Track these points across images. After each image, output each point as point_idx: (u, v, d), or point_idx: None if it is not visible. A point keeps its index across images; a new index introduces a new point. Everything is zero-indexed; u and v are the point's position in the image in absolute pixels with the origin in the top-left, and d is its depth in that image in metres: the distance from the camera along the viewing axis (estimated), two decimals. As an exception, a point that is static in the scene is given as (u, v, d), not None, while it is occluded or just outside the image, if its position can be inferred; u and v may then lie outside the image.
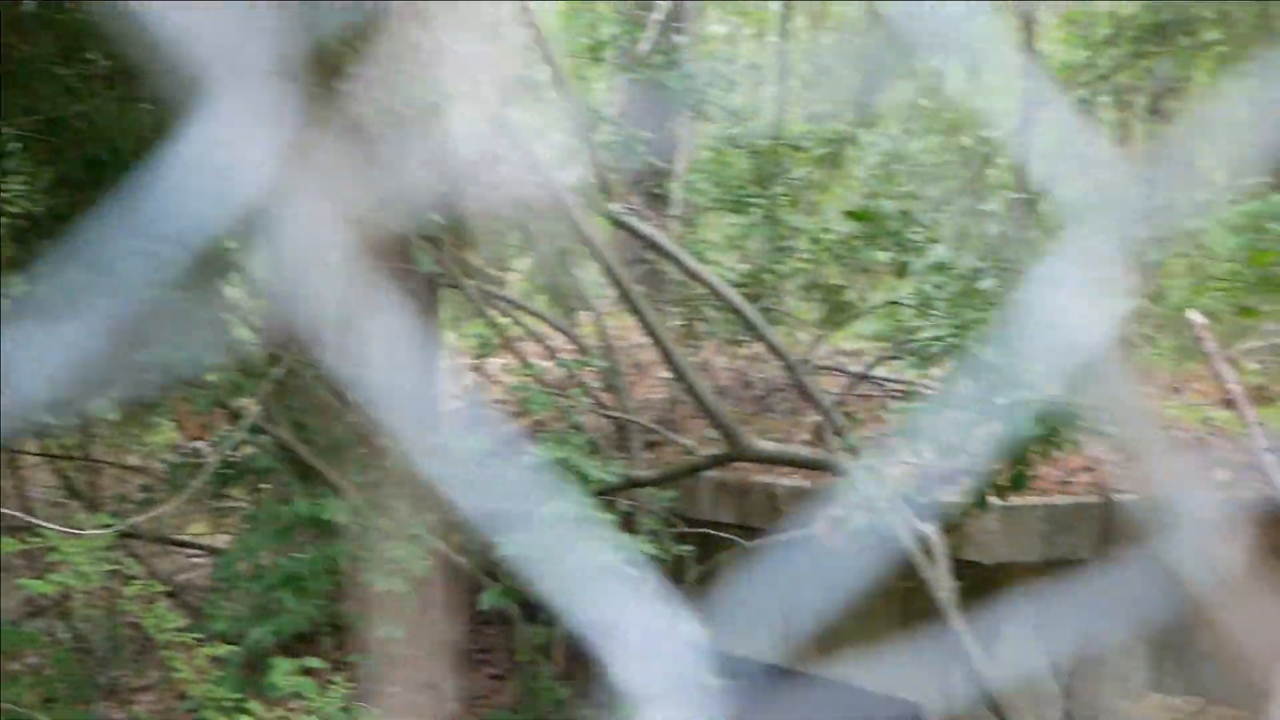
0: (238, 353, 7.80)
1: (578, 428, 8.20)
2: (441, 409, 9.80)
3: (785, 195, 9.58)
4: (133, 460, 9.73)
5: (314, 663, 6.70)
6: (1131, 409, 8.03)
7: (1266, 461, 7.70)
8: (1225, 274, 9.20)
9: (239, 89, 6.25)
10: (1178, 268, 9.88)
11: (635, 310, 7.78)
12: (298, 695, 6.39)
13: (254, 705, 6.02)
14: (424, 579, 7.03)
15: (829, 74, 15.86)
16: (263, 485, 8.22)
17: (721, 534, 8.08)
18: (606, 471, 7.29)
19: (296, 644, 6.94)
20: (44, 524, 6.16)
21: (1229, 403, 8.60)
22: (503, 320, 9.09)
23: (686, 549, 7.67)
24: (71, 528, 6.14)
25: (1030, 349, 7.00)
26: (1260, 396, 8.91)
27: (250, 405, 7.38)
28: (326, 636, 7.20)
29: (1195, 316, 8.76)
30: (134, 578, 6.67)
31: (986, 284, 6.80)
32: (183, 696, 6.54)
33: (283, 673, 6.38)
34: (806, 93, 16.58)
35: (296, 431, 7.64)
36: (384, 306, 8.72)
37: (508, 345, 9.11)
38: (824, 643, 8.39)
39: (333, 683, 6.36)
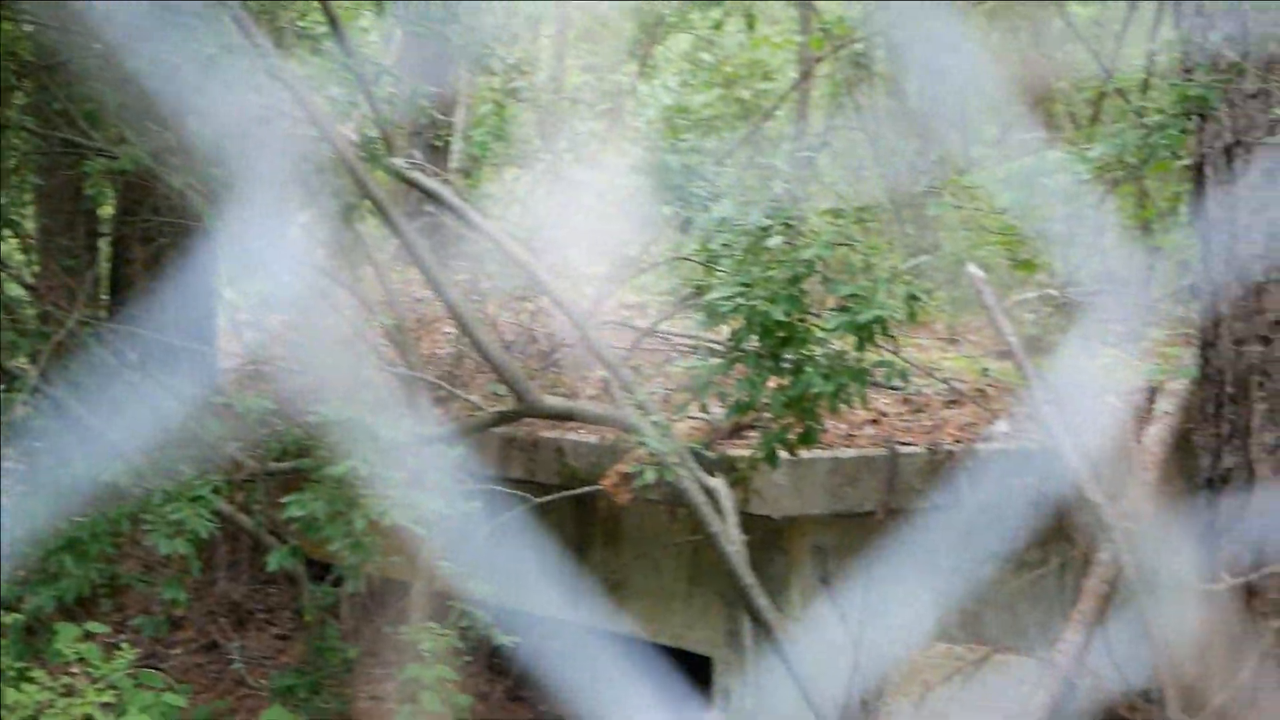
0: (11, 312, 7.60)
1: (364, 385, 8.12)
2: (222, 367, 9.66)
3: (568, 150, 9.56)
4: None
5: (97, 627, 6.58)
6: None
7: (1045, 413, 7.88)
8: (1000, 228, 9.38)
9: None
10: (953, 220, 10.06)
11: (419, 265, 7.72)
12: (82, 661, 6.26)
13: (38, 673, 5.89)
14: (207, 540, 6.91)
15: (606, 25, 15.86)
16: (39, 447, 8.04)
17: (510, 490, 8.07)
18: (394, 429, 7.23)
19: (79, 609, 6.80)
20: None
21: (1006, 354, 8.78)
22: (286, 276, 8.95)
23: (475, 506, 7.64)
24: None
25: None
26: (1036, 347, 9.10)
27: (28, 367, 7.20)
28: (109, 600, 7.07)
29: (973, 269, 8.92)
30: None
31: (773, 241, 6.84)
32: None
33: (66, 639, 6.25)
34: (585, 45, 16.57)
35: (73, 391, 7.47)
36: (162, 263, 8.57)
37: (290, 301, 8.98)
38: (613, 597, 8.43)
39: (117, 648, 6.24)
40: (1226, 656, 5.79)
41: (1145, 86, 11.42)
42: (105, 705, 5.70)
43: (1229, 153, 5.56)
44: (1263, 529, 5.48)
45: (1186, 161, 6.73)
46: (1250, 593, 5.60)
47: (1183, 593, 6.02)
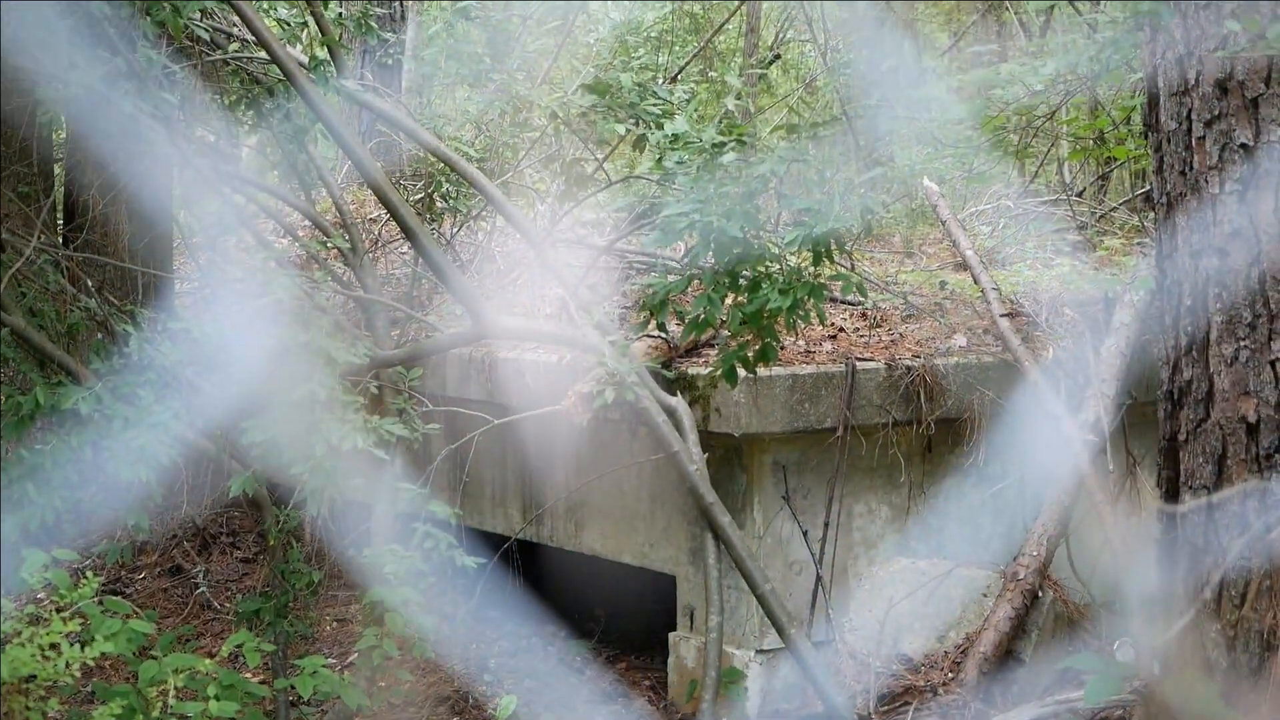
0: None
1: (321, 309, 8.11)
2: (178, 291, 9.62)
3: (521, 70, 9.52)
4: None
5: (64, 554, 6.57)
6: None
7: (1002, 325, 7.92)
8: (955, 140, 9.38)
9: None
10: (908, 134, 10.05)
11: (372, 186, 7.69)
12: (49, 588, 6.26)
13: (5, 602, 5.88)
14: (170, 466, 6.90)
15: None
16: (-2, 374, 8.02)
17: (470, 411, 8.08)
18: (352, 352, 7.21)
19: (43, 536, 6.79)
20: None
21: (963, 267, 8.82)
22: (238, 199, 8.91)
23: (434, 428, 7.65)
24: None
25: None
26: (991, 260, 9.14)
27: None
28: (72, 526, 7.05)
29: (928, 183, 8.94)
30: None
31: (727, 158, 6.83)
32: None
33: (32, 567, 6.24)
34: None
35: (31, 319, 7.43)
36: (116, 189, 8.51)
37: (244, 224, 8.94)
38: (576, 518, 8.47)
39: (83, 574, 6.24)
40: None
41: (1097, -3, 11.42)
42: (71, 634, 5.70)
43: (1181, 64, 5.56)
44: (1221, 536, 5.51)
45: (1139, 74, 6.73)
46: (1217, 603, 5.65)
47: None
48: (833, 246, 6.42)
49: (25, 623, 5.67)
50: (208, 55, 8.28)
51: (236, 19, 7.93)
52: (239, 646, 6.96)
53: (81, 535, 7.58)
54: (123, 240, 9.37)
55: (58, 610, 5.85)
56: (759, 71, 12.03)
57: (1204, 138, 5.43)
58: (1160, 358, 5.69)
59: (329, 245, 8.44)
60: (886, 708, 7.32)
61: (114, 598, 7.13)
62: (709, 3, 14.64)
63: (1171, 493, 5.70)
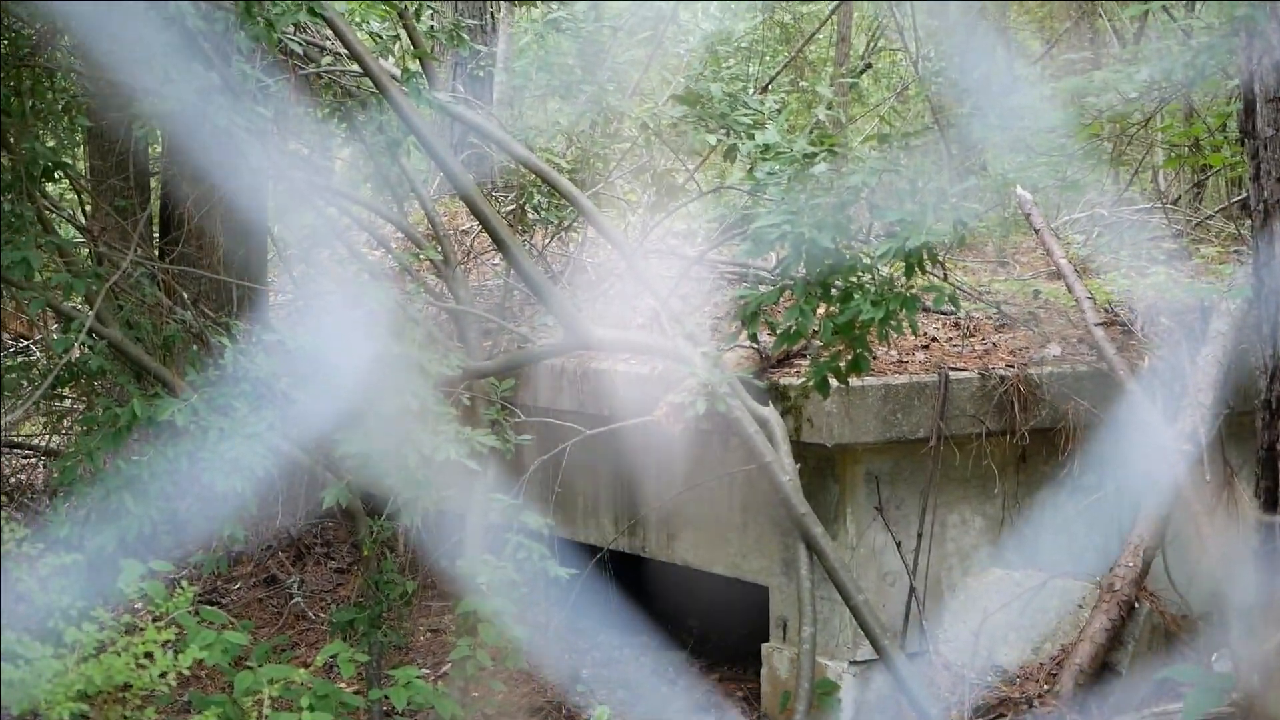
0: (65, 254, 7.65)
1: (414, 320, 8.15)
2: (273, 303, 9.70)
3: (611, 81, 9.53)
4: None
5: (160, 565, 6.63)
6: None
7: (1097, 334, 7.86)
8: (1048, 148, 9.31)
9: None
10: (1001, 142, 10.00)
11: (464, 198, 7.73)
12: (145, 598, 6.32)
13: (100, 612, 5.94)
14: (265, 477, 6.95)
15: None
16: (96, 386, 8.10)
17: (562, 422, 8.10)
18: (445, 364, 7.25)
19: (139, 547, 6.85)
20: None
21: (1056, 276, 8.75)
22: (331, 211, 8.98)
23: (527, 439, 7.67)
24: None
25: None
26: (1084, 269, 9.07)
27: (82, 309, 7.24)
28: (169, 537, 7.12)
29: (1021, 191, 8.88)
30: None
31: (819, 168, 6.82)
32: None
33: (129, 577, 6.30)
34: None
35: (128, 331, 7.52)
36: (211, 202, 8.60)
37: (338, 236, 9.02)
38: (668, 528, 8.46)
39: (179, 585, 6.30)
40: None
41: (1191, 3, 11.32)
42: (166, 644, 5.75)
43: (1278, 69, 5.50)
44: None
45: (1235, 80, 6.67)
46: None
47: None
48: (925, 258, 6.40)
49: (121, 632, 5.72)
50: (301, 69, 8.35)
51: (330, 32, 7.99)
52: (333, 657, 7.01)
53: (178, 546, 7.64)
54: (218, 253, 9.45)
55: (153, 620, 5.91)
56: (850, 81, 12.00)
57: (1302, 144, 5.38)
58: (1258, 366, 5.64)
59: (422, 257, 8.48)
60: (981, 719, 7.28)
61: (210, 608, 7.20)
62: (804, 5, 14.64)
63: (1270, 503, 5.64)
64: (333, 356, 7.08)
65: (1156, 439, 7.38)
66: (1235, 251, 9.29)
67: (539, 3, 11.23)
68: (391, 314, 7.81)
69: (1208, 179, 12.43)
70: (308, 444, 7.14)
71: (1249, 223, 6.28)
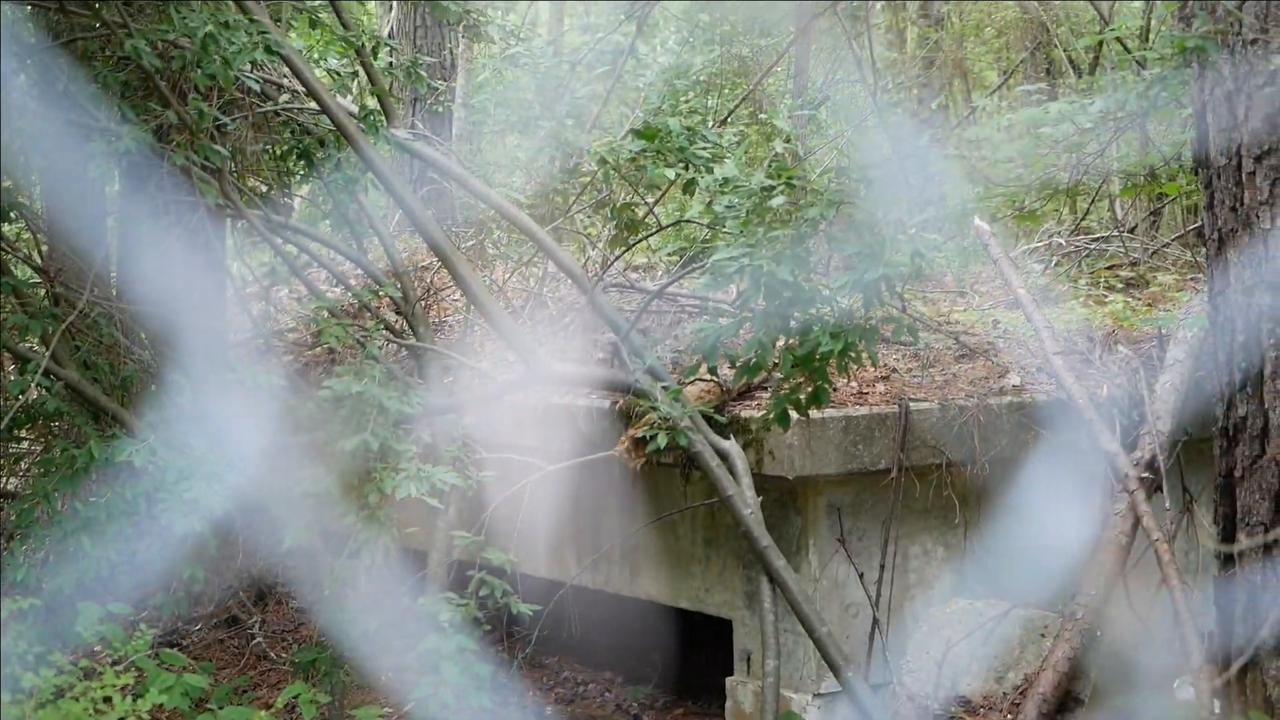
0: (21, 294, 7.60)
1: (374, 357, 8.14)
2: (231, 341, 9.66)
3: (570, 115, 9.54)
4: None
5: (117, 608, 6.59)
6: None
7: (1055, 363, 7.88)
8: (1005, 178, 9.35)
9: None
10: (958, 172, 10.03)
11: (424, 234, 7.73)
12: (104, 641, 6.28)
13: (57, 656, 5.90)
14: (224, 516, 6.92)
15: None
16: (53, 427, 8.05)
17: (523, 458, 8.08)
18: (405, 402, 7.23)
19: (98, 589, 6.81)
20: None
21: (1015, 305, 8.78)
22: (290, 249, 8.96)
23: (488, 475, 7.65)
24: None
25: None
26: (1044, 298, 9.10)
27: (39, 349, 7.20)
28: (128, 579, 7.08)
29: (979, 222, 8.91)
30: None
31: (777, 201, 6.83)
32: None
33: (87, 620, 6.26)
34: (582, 5, 16.51)
35: (85, 371, 7.48)
36: (168, 240, 8.56)
37: (296, 274, 8.99)
38: (631, 563, 8.45)
39: (138, 628, 6.26)
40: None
41: (1145, 34, 11.40)
42: (125, 688, 5.72)
43: (1230, 100, 5.54)
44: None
45: (1189, 110, 6.71)
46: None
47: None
48: (883, 289, 6.41)
49: (79, 677, 5.68)
50: (259, 106, 8.34)
51: (287, 70, 7.98)
52: (295, 697, 6.98)
53: (138, 587, 7.59)
54: (176, 292, 9.40)
55: (112, 664, 5.87)
56: (808, 113, 12.03)
57: (1254, 173, 5.41)
58: (1215, 394, 5.67)
59: (381, 294, 8.46)
60: (945, 750, 7.28)
61: (169, 650, 7.16)
62: (762, 38, 14.68)
63: (1228, 530, 5.67)
64: (292, 394, 7.07)
65: (1116, 467, 7.39)
66: (1192, 279, 9.34)
67: (496, 39, 11.24)
68: (351, 351, 7.80)
69: (1164, 207, 12.50)
70: (267, 483, 7.12)
71: (1204, 250, 6.32)
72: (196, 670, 6.76)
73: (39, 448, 8.74)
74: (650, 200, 9.26)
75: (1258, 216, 5.39)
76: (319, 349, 8.90)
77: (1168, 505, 7.49)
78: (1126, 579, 7.77)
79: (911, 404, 7.65)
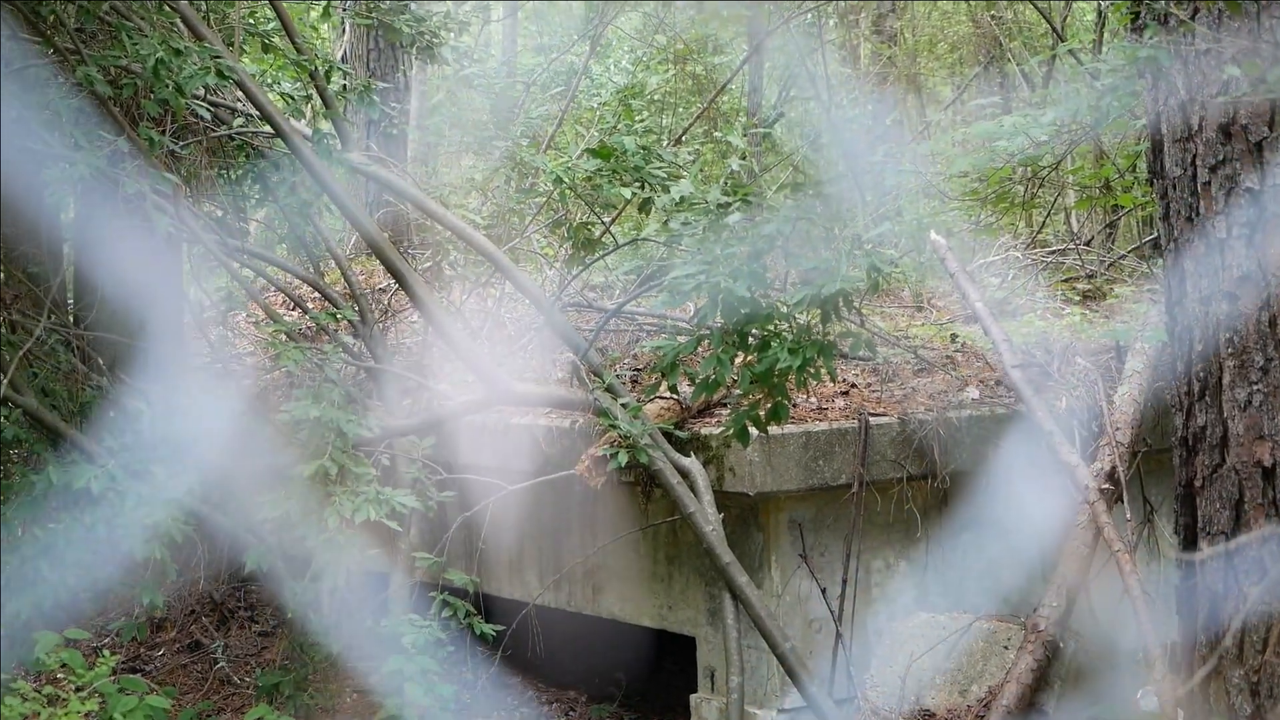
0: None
1: (332, 380, 8.12)
2: (189, 367, 9.62)
3: (525, 136, 9.54)
4: None
5: (75, 634, 6.56)
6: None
7: (1014, 376, 7.90)
8: (961, 192, 9.39)
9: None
10: (913, 187, 10.07)
11: (380, 256, 7.72)
12: (65, 667, 6.25)
13: (20, 683, 5.88)
14: (184, 541, 6.90)
15: (556, 6, 15.83)
16: (12, 454, 8.01)
17: (484, 478, 8.07)
18: (363, 425, 7.22)
19: (58, 615, 6.78)
20: None
21: (973, 319, 8.81)
22: (246, 273, 8.93)
23: (449, 495, 7.64)
24: None
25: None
26: (1002, 311, 9.13)
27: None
28: (89, 604, 7.04)
29: (935, 236, 8.94)
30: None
31: (733, 218, 6.83)
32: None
33: (46, 647, 6.23)
34: (535, 26, 16.52)
35: (43, 398, 7.44)
36: (125, 266, 8.53)
37: (253, 297, 8.97)
38: (594, 581, 8.44)
39: (100, 654, 6.24)
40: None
41: (1098, 44, 11.45)
42: (89, 714, 5.70)
43: (1184, 110, 5.56)
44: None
45: (1143, 121, 6.74)
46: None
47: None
48: (841, 304, 6.41)
49: (43, 704, 5.66)
50: (214, 131, 8.32)
51: (241, 95, 7.97)
52: (259, 720, 6.96)
53: (99, 613, 7.57)
54: (133, 317, 9.37)
55: (76, 690, 5.85)
56: (763, 131, 12.05)
57: (1209, 183, 5.42)
58: (1173, 404, 5.68)
59: (339, 316, 8.45)
60: (910, 764, 7.28)
61: (132, 676, 7.13)
62: (716, 56, 14.71)
63: (1189, 539, 5.67)
64: (249, 419, 7.04)
65: (1076, 479, 7.41)
66: (1149, 290, 9.37)
67: (450, 61, 11.22)
68: (309, 374, 7.78)
69: (1120, 219, 12.55)
70: (228, 507, 7.09)
71: (1161, 261, 6.34)
72: (160, 694, 6.74)
73: (-2, 475, 8.69)
74: (607, 219, 9.26)
75: (1213, 226, 5.41)
76: (277, 372, 8.86)
77: (1129, 516, 7.52)
78: (1089, 590, 7.80)
79: (871, 418, 7.66)
